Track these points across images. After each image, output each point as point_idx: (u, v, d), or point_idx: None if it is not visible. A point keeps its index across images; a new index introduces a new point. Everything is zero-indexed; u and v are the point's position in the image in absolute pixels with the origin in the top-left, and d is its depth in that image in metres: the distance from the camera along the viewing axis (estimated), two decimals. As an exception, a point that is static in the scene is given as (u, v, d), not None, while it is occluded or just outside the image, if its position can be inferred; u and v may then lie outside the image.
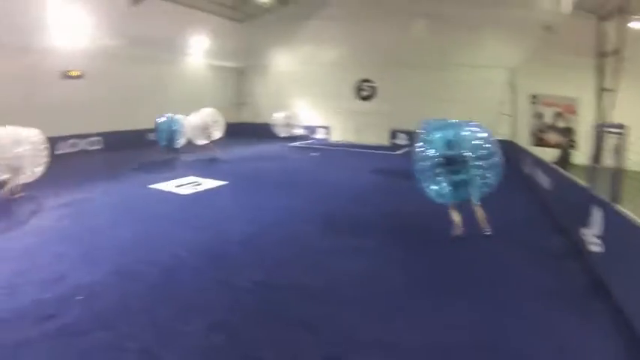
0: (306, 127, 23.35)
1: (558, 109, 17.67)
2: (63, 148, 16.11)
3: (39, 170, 10.19)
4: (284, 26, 23.30)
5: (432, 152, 7.50)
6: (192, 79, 22.49)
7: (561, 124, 17.62)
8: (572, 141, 16.88)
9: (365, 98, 22.40)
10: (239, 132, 18.89)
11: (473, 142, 7.47)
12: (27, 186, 10.25)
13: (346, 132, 22.68)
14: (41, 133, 10.24)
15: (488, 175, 7.38)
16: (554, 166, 10.81)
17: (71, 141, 16.63)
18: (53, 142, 14.84)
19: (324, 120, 23.65)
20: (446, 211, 7.74)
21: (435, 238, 7.61)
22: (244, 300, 5.20)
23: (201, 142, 16.45)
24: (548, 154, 14.16)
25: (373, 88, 22.29)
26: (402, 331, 4.61)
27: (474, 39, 19.24)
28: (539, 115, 18.28)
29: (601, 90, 12.16)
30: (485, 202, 7.62)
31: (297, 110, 23.32)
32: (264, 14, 23.63)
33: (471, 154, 7.38)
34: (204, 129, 16.47)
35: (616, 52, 11.41)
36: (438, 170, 7.47)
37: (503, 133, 19.03)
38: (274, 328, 4.59)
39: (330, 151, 19.86)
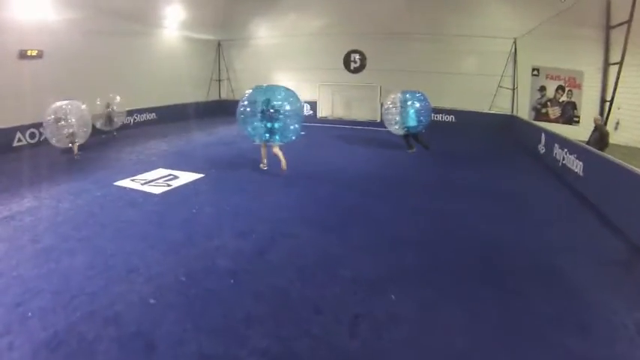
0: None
1: (562, 83, 16.94)
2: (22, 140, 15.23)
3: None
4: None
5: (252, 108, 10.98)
6: (167, 54, 21.76)
7: (564, 98, 16.92)
8: (577, 117, 16.21)
9: (354, 71, 21.38)
10: (217, 111, 18.13)
11: (281, 102, 10.88)
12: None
13: (334, 107, 21.78)
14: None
15: (291, 124, 10.99)
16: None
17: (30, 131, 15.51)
18: (7, 133, 14.50)
19: (310, 95, 22.67)
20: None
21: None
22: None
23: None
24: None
25: (363, 59, 21.20)
26: None
27: (475, 7, 18.66)
28: (541, 89, 17.51)
29: (607, 64, 11.56)
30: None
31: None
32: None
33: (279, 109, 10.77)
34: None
35: (626, 23, 10.72)
36: (255, 119, 10.88)
37: (504, 107, 18.42)
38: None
39: (317, 128, 19.31)
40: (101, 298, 5.49)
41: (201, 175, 11.34)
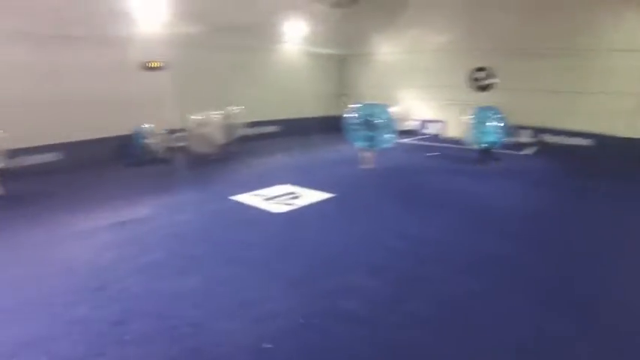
0: (416, 121, 21.87)
1: None
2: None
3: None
4: (388, 9, 21.77)
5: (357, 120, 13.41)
6: (289, 68, 21.83)
7: None
8: None
9: (481, 88, 19.59)
10: (339, 127, 17.48)
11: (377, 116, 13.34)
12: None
13: (462, 126, 20.18)
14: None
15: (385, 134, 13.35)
16: None
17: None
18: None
19: (437, 113, 21.64)
20: None
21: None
22: None
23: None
24: None
25: (490, 77, 19.42)
26: None
27: (611, 19, 16.21)
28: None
29: None
30: None
31: (404, 102, 21.76)
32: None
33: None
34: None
35: None
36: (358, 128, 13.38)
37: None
38: None
39: (446, 148, 17.75)
40: (206, 334, 4.83)
41: (328, 196, 10.49)
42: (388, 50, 22.71)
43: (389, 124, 13.61)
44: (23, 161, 12.30)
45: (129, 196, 10.53)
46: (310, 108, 22.73)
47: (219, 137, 14.88)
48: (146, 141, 14.52)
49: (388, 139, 13.58)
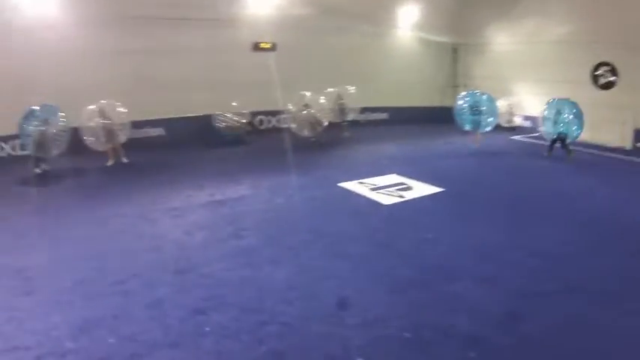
0: (529, 117, 19.15)
1: None
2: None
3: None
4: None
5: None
6: (400, 54, 20.69)
7: None
8: None
9: (604, 86, 16.95)
10: (452, 118, 16.19)
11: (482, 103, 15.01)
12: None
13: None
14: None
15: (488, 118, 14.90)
16: None
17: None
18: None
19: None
20: None
21: None
22: None
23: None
24: None
25: (614, 74, 16.73)
26: None
27: None
28: None
29: None
30: None
31: (519, 96, 19.68)
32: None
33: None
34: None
35: None
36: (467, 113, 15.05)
37: None
38: None
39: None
40: (296, 336, 4.14)
41: (439, 190, 9.27)
42: (504, 40, 20.44)
43: (492, 111, 15.23)
44: (139, 134, 13.25)
45: (230, 173, 10.32)
46: (421, 97, 21.33)
47: (325, 119, 14.43)
48: (223, 122, 14.45)
49: (490, 122, 15.10)
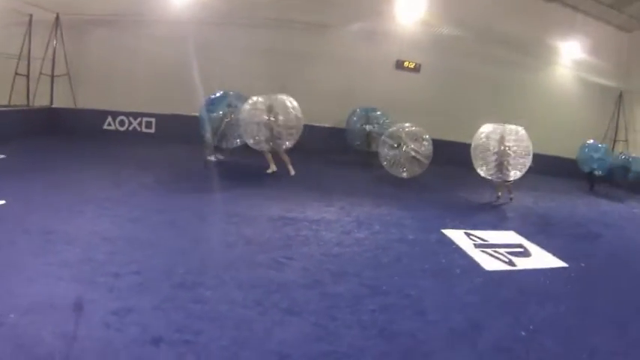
0: None
1: None
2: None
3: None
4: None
5: None
6: (553, 94, 18.51)
7: None
8: None
9: None
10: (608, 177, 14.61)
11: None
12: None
13: None
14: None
15: None
16: None
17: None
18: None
19: None
20: None
21: None
22: None
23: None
24: None
25: None
26: None
27: None
28: None
29: None
30: None
31: None
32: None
33: None
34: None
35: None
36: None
37: None
38: None
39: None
40: None
41: (559, 264, 7.16)
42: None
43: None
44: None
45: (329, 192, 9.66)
46: (574, 147, 18.46)
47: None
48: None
49: None
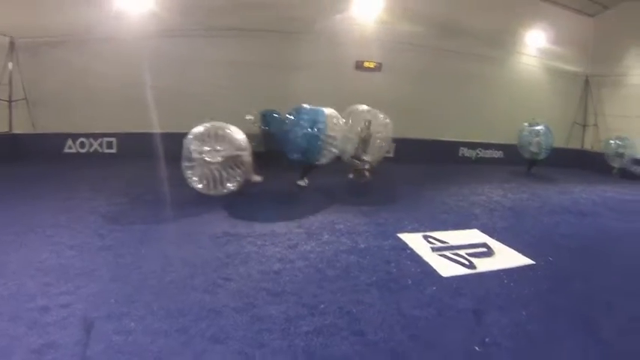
0: None
1: None
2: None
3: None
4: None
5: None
6: (519, 84, 18.22)
7: None
8: None
9: None
10: (576, 162, 13.67)
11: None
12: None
13: None
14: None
15: None
16: None
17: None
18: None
19: None
20: None
21: None
22: None
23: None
24: None
25: None
26: None
27: None
28: None
29: None
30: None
31: None
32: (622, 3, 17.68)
33: None
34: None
35: None
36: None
37: None
38: None
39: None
40: None
41: (525, 262, 6.51)
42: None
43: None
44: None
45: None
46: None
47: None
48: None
49: None
